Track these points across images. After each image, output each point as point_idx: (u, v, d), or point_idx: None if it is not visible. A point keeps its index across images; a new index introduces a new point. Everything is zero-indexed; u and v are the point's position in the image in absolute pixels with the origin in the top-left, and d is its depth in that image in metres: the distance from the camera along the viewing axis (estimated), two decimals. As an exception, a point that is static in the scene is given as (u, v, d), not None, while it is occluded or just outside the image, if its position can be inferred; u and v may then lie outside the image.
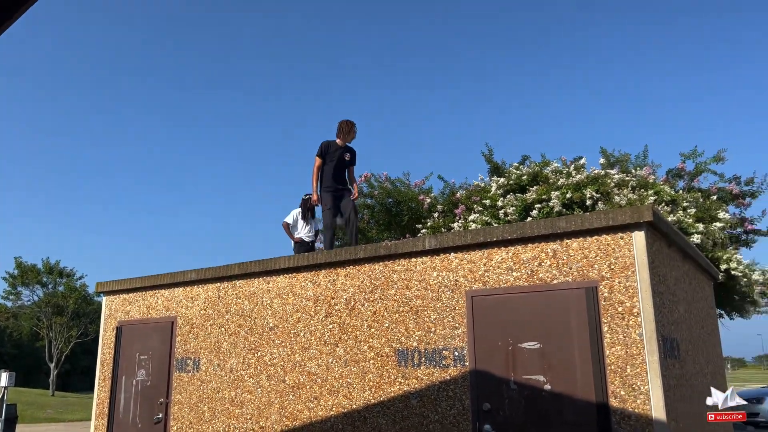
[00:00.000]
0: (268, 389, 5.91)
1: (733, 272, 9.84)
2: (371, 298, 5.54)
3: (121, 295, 7.48)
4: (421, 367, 5.14)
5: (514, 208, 10.64)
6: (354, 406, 5.37)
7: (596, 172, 10.26)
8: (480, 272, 5.07)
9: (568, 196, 10.12)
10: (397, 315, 5.37)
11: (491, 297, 4.94)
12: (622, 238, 4.51)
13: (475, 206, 11.41)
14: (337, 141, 7.12)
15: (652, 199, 9.89)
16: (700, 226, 9.72)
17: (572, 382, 4.44)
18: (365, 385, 5.36)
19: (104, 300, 7.70)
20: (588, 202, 9.81)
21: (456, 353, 4.99)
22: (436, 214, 12.32)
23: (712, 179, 11.33)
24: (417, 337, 5.22)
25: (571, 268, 4.67)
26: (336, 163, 7.03)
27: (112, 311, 7.52)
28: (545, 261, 4.79)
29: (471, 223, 10.87)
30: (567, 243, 4.73)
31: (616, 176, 10.33)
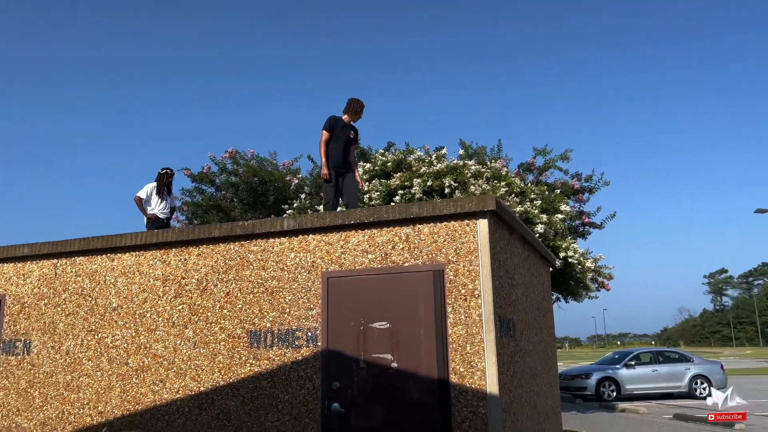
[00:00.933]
0: (109, 372, 5.57)
1: (570, 260, 10.85)
2: (225, 279, 5.40)
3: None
4: (274, 348, 5.11)
5: (378, 193, 10.87)
6: (202, 389, 5.23)
7: (455, 162, 10.78)
8: (337, 254, 5.13)
9: (428, 184, 10.54)
10: (251, 296, 5.28)
11: (346, 278, 5.03)
12: (468, 224, 4.78)
13: (341, 189, 11.50)
14: (344, 117, 6.91)
15: (504, 190, 10.60)
16: (544, 217, 10.59)
17: (417, 360, 4.65)
18: (215, 367, 5.23)
19: None
20: (446, 191, 10.29)
21: (309, 334, 5.03)
22: (303, 196, 12.26)
23: (558, 175, 12.36)
24: (271, 318, 5.18)
25: (421, 252, 4.87)
26: (343, 140, 6.84)
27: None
28: (398, 244, 4.96)
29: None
30: (419, 228, 4.93)
31: (473, 167, 10.92)
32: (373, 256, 5.01)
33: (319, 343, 4.96)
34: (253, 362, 5.14)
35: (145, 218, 8.04)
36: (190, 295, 5.49)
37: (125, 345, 5.58)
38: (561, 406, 16.39)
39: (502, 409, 4.48)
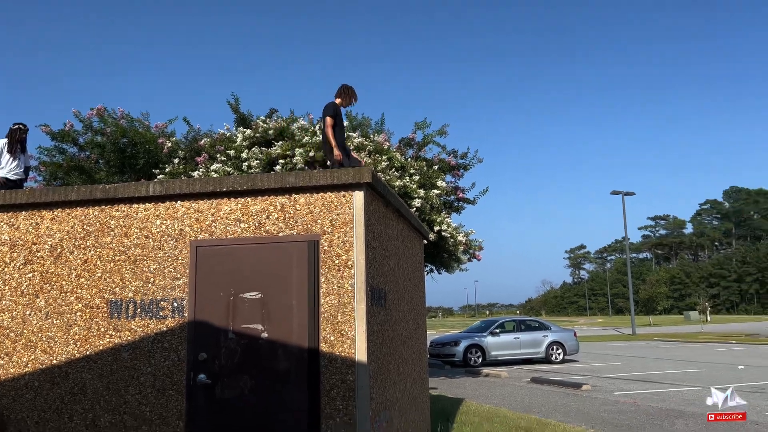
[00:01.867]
0: (-56, 347, 5.01)
1: (443, 233, 11.31)
2: (83, 246, 5.03)
3: None
4: (136, 319, 4.86)
5: (258, 161, 10.61)
6: (55, 362, 4.87)
7: (338, 133, 10.74)
8: (207, 222, 4.95)
9: (311, 154, 10.45)
10: (112, 264, 4.97)
11: (217, 248, 4.88)
12: (344, 196, 4.80)
13: (218, 156, 11.10)
14: (338, 101, 7.06)
15: (385, 164, 10.76)
16: (422, 192, 10.92)
17: (288, 330, 4.65)
18: (69, 339, 4.89)
19: None
20: (328, 162, 10.26)
21: (175, 304, 4.83)
22: (176, 160, 11.68)
23: (436, 150, 12.75)
24: (134, 288, 4.91)
25: (296, 222, 4.83)
26: (341, 124, 7.10)
27: None
28: (273, 214, 4.88)
29: (213, 173, 10.56)
30: (295, 198, 4.88)
31: (357, 139, 10.97)
32: (246, 225, 4.90)
33: (186, 314, 4.79)
34: (113, 333, 4.86)
35: (-8, 178, 7.26)
36: (42, 262, 5.06)
37: (-37, 316, 5.04)
38: (431, 372, 17.22)
39: (370, 375, 4.61)
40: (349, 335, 4.60)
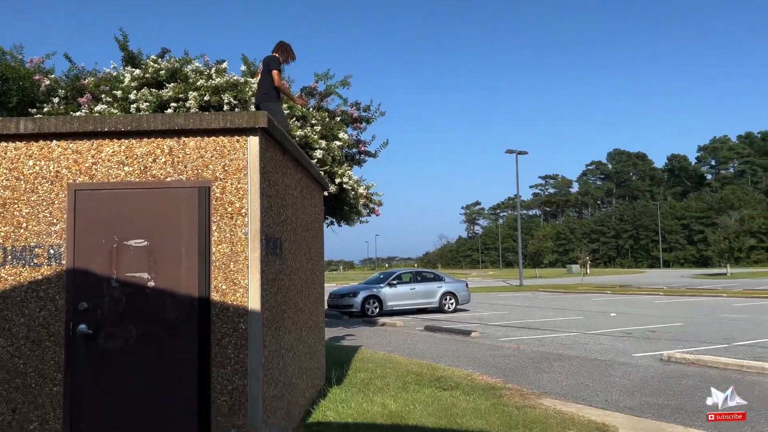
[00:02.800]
0: None
1: (344, 186, 11.29)
2: (-60, 186, 4.52)
3: None
4: (7, 267, 4.49)
5: (148, 103, 9.98)
6: None
7: (236, 78, 10.30)
8: (87, 164, 4.60)
9: (206, 98, 9.96)
10: (-24, 207, 4.52)
11: (98, 192, 4.56)
12: (238, 141, 4.63)
13: (104, 96, 10.31)
14: (276, 55, 7.10)
15: (287, 112, 10.48)
16: (324, 143, 10.78)
17: (177, 279, 4.48)
18: (-74, 289, 4.44)
19: None
20: (225, 108, 9.84)
21: (51, 251, 4.50)
22: (56, 100, 10.73)
23: (338, 102, 12.56)
24: (3, 234, 4.51)
25: (186, 167, 4.61)
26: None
27: None
28: (160, 158, 4.62)
29: (97, 114, 9.81)
30: (184, 141, 4.64)
31: (255, 86, 10.57)
32: (131, 168, 4.60)
33: (64, 262, 4.48)
34: (-20, 283, 4.46)
35: None
36: None
37: None
38: (329, 322, 17.43)
39: (263, 324, 4.57)
40: (242, 284, 4.52)
